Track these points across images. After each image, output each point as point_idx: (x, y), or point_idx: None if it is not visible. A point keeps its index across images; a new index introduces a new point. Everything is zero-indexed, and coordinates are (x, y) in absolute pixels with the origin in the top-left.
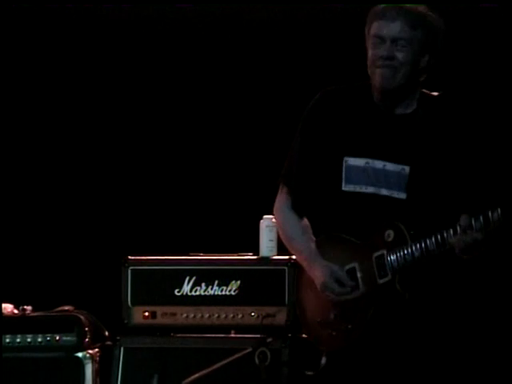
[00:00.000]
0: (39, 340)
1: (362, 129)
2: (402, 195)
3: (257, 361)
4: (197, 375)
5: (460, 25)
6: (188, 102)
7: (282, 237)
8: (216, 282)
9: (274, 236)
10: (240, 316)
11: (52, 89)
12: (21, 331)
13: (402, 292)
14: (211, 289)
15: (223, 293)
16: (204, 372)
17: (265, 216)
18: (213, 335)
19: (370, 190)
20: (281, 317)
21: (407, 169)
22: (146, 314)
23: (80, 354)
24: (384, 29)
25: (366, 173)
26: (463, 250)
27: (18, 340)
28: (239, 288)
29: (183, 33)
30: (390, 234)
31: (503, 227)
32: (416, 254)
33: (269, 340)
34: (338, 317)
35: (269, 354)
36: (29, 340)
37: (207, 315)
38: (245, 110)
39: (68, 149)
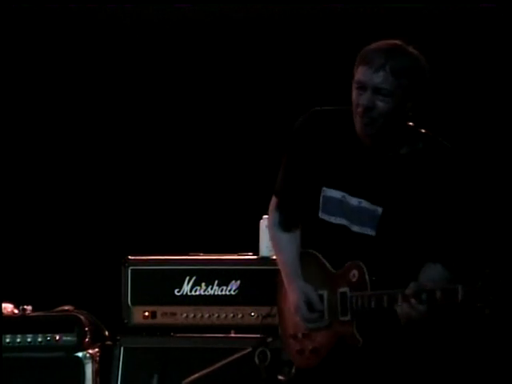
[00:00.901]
0: (39, 340)
1: (342, 162)
2: (368, 232)
3: (257, 361)
4: (197, 375)
5: (460, 25)
6: (188, 102)
7: (272, 247)
8: (216, 282)
9: None
10: (240, 316)
11: (53, 88)
12: (21, 331)
13: (357, 336)
14: (211, 289)
15: (223, 293)
16: (204, 372)
17: (264, 216)
18: (213, 335)
19: (344, 222)
20: None
21: (377, 208)
22: (146, 313)
23: (80, 354)
24: (367, 77)
25: (341, 206)
26: (406, 321)
27: (18, 340)
28: (239, 288)
29: (184, 33)
30: (354, 275)
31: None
32: (372, 304)
33: (269, 340)
34: (305, 336)
35: (269, 353)
36: (29, 340)
37: (207, 315)
38: (244, 110)
39: (68, 149)
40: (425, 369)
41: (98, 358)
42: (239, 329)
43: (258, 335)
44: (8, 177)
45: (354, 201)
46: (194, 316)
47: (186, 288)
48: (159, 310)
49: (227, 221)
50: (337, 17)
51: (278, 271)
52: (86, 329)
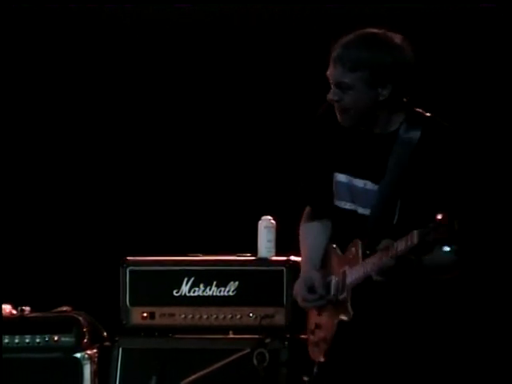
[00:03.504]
0: (37, 341)
1: (347, 147)
2: (365, 211)
3: (255, 361)
4: (195, 376)
5: (460, 25)
6: (186, 102)
7: None
8: (214, 283)
9: (272, 237)
10: (238, 317)
11: (52, 88)
12: (19, 332)
13: (351, 311)
14: (209, 289)
15: (221, 293)
16: (202, 373)
17: (263, 217)
18: (211, 336)
19: (352, 207)
20: (279, 317)
21: (373, 186)
22: (145, 314)
23: (78, 355)
24: (329, 72)
25: (349, 189)
26: (376, 272)
27: (17, 341)
28: (237, 289)
29: (184, 33)
30: (351, 252)
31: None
32: (361, 274)
33: (267, 341)
34: (316, 327)
35: (267, 354)
36: (27, 341)
37: (205, 316)
38: (243, 111)
39: (66, 150)
40: (417, 342)
41: (96, 359)
42: (237, 330)
43: (257, 336)
44: (7, 178)
45: (359, 183)
46: (193, 317)
47: (185, 289)
48: (158, 310)
49: (226, 221)
50: (337, 17)
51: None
52: (85, 330)
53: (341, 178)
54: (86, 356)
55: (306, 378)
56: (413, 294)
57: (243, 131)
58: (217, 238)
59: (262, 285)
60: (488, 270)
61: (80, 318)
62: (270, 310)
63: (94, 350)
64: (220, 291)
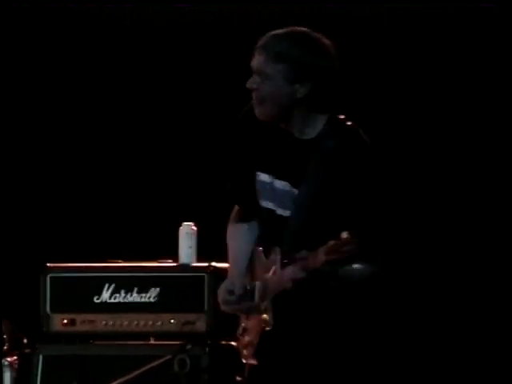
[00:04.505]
0: None
1: (270, 147)
2: (286, 213)
3: (176, 368)
4: (116, 382)
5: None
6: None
7: None
8: (135, 289)
9: (193, 243)
10: (159, 323)
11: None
12: None
13: (271, 321)
14: (130, 296)
15: (142, 300)
16: (123, 379)
17: (184, 223)
18: (132, 342)
19: (270, 206)
20: (200, 324)
21: (293, 189)
22: (65, 321)
23: None
24: (253, 60)
25: (271, 189)
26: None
27: None
28: (158, 295)
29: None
30: (272, 259)
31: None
32: (279, 285)
33: (188, 347)
34: (244, 330)
35: (188, 360)
36: None
37: (126, 322)
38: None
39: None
40: (341, 346)
41: (16, 366)
42: (159, 336)
43: (178, 342)
44: None
45: (278, 184)
46: (114, 323)
47: (105, 295)
48: (78, 317)
49: (146, 228)
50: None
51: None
52: (4, 336)
53: (264, 177)
54: (6, 363)
55: (239, 378)
56: (333, 298)
57: (169, 137)
58: (137, 245)
59: (183, 291)
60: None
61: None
62: (191, 317)
63: (15, 357)
64: (141, 297)
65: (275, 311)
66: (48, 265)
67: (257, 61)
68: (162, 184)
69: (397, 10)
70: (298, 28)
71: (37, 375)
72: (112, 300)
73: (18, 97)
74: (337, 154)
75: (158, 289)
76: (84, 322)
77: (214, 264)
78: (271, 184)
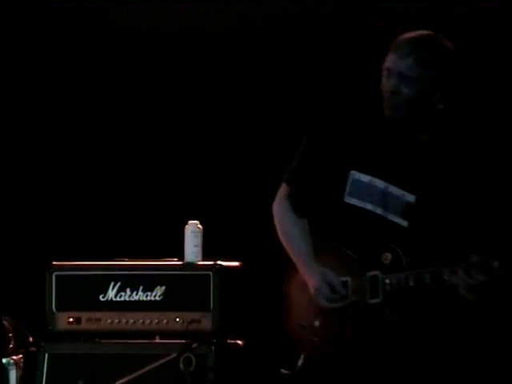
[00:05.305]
0: None
1: (371, 145)
2: (398, 220)
3: (182, 366)
4: (122, 381)
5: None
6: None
7: (279, 236)
8: (141, 288)
9: (198, 241)
10: (165, 322)
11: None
12: None
13: (391, 317)
14: (136, 294)
15: (148, 298)
16: (129, 378)
17: (190, 221)
18: (137, 341)
19: (369, 207)
20: (206, 322)
21: (409, 196)
22: (71, 319)
23: (4, 361)
24: (394, 63)
25: (369, 190)
26: (467, 290)
27: None
28: (164, 293)
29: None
30: (387, 257)
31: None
32: (410, 283)
33: (194, 345)
34: (321, 325)
35: (194, 359)
36: None
37: (132, 321)
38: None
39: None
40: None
41: (22, 365)
42: (164, 334)
43: (183, 341)
44: None
45: (380, 184)
46: (119, 322)
47: (111, 294)
48: (84, 315)
49: (152, 226)
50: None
51: (287, 265)
52: (10, 335)
53: (360, 176)
54: (12, 362)
55: (285, 372)
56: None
57: (175, 135)
58: (143, 243)
59: (188, 290)
60: None
61: (5, 323)
62: (196, 315)
63: (20, 356)
64: (146, 296)
65: (392, 307)
66: (53, 263)
67: (400, 63)
68: (167, 182)
69: (397, 10)
70: (436, 33)
71: (42, 373)
72: (118, 298)
73: (19, 97)
74: (459, 156)
75: (163, 287)
76: (90, 321)
77: (219, 262)
78: (371, 184)
